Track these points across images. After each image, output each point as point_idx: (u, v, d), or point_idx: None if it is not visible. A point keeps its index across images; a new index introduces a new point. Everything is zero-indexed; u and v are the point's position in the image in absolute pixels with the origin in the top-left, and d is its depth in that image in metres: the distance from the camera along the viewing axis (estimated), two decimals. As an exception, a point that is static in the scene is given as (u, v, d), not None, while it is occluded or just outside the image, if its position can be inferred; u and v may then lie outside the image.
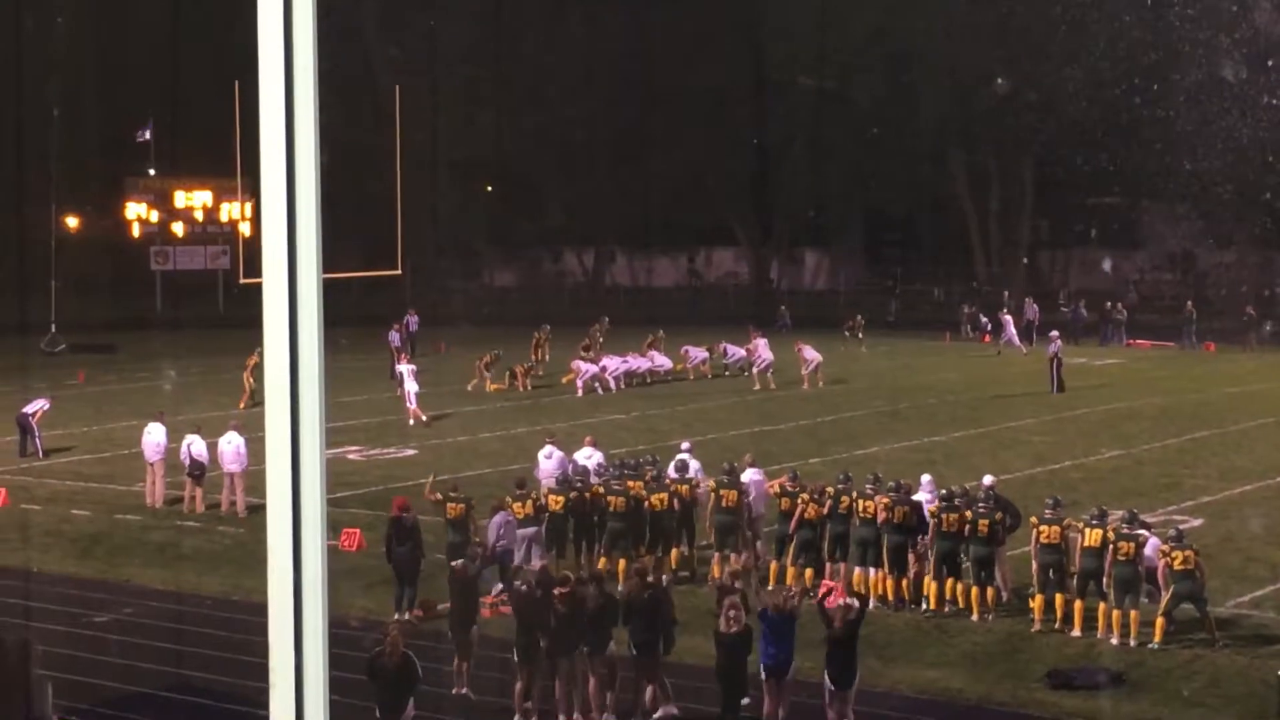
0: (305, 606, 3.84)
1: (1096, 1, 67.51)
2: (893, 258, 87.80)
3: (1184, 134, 65.04)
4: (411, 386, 41.92)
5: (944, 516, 22.83)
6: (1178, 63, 66.67)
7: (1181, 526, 23.74)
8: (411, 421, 41.07)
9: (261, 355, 3.88)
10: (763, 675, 18.45)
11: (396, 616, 22.18)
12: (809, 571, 23.84)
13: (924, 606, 23.09)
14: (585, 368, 48.08)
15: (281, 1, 3.80)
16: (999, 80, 77.26)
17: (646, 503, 24.77)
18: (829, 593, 19.58)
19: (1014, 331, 59.88)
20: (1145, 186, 74.28)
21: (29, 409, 37.06)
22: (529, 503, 24.41)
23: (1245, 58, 66.91)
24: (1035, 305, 65.99)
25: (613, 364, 49.69)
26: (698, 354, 52.15)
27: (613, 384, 48.42)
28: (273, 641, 3.86)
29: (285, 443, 3.82)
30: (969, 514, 22.73)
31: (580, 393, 47.20)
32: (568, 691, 19.01)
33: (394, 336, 53.15)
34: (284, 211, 3.80)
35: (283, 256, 3.80)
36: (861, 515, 23.52)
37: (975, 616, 22.61)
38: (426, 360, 55.94)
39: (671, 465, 26.30)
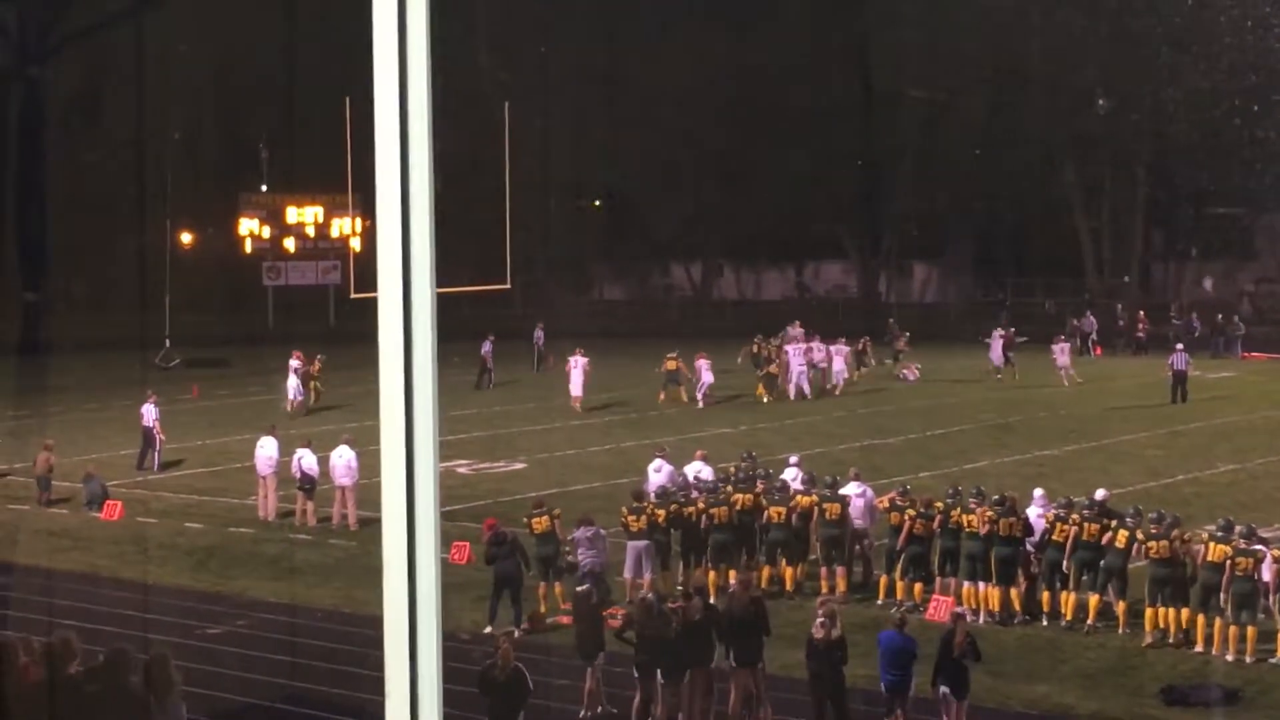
0: (420, 618, 3.89)
1: (1197, 23, 66.86)
2: (1003, 270, 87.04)
3: None
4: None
5: (1085, 526, 22.77)
6: (1277, 83, 65.98)
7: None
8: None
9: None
10: (883, 690, 18.57)
11: (489, 630, 22.29)
12: (918, 586, 23.82)
13: (1040, 619, 23.00)
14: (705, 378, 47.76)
15: (396, 23, 3.86)
16: (1100, 101, 76.86)
17: (765, 514, 24.83)
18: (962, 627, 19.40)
19: (999, 351, 57.07)
20: (1248, 204, 73.82)
21: (148, 421, 37.44)
22: (643, 516, 24.43)
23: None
24: (1091, 320, 64.66)
25: (796, 361, 49.42)
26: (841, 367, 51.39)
27: (807, 387, 48.62)
28: (388, 653, 3.91)
29: (400, 457, 3.87)
30: (1112, 523, 22.72)
31: (701, 404, 47.07)
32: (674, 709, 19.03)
33: (486, 347, 52.91)
34: (399, 228, 3.86)
35: (398, 272, 3.86)
36: (969, 530, 23.42)
37: (1090, 621, 22.47)
38: (538, 373, 56.34)
39: (783, 478, 26.36)
